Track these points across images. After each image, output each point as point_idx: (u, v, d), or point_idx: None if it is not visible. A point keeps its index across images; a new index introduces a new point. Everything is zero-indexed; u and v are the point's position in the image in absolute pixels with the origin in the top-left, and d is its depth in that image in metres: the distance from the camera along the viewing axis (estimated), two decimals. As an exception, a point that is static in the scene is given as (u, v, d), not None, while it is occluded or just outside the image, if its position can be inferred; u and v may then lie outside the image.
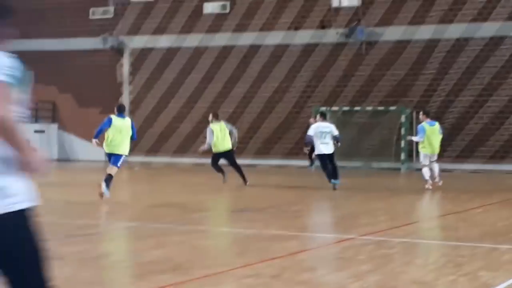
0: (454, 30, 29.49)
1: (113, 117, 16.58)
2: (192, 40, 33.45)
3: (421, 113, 20.79)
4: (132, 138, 16.45)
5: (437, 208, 15.56)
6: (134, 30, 34.76)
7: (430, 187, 19.49)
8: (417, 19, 30.25)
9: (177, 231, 11.60)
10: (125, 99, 34.50)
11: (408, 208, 15.48)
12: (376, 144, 29.26)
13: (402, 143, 28.16)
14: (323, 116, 19.63)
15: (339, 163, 27.51)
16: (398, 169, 27.87)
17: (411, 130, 28.63)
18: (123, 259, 8.96)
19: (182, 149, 32.22)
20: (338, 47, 31.26)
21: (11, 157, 3.47)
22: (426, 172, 19.82)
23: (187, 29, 33.84)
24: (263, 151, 31.17)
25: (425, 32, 29.87)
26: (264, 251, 9.74)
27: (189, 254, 9.48)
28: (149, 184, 21.90)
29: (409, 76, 29.99)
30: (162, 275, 8.05)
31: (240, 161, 21.47)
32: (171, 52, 33.87)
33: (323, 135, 19.06)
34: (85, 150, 33.66)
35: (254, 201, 16.06)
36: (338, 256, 9.26)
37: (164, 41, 33.96)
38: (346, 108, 29.83)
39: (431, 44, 29.87)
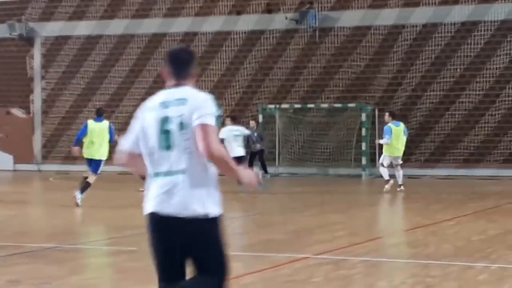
0: (421, 15, 29.92)
1: (89, 122, 18.60)
2: (116, 26, 33.23)
3: (386, 114, 22.05)
4: (110, 140, 18.31)
5: (403, 221, 15.73)
6: (47, 15, 34.37)
7: (390, 187, 20.84)
8: (379, 2, 30.61)
9: (101, 252, 11.47)
10: (37, 97, 34.08)
11: (370, 221, 15.62)
12: (333, 147, 29.49)
13: (363, 146, 28.42)
14: (234, 120, 22.26)
15: (289, 169, 27.80)
16: (359, 176, 28.11)
17: (373, 131, 28.94)
18: (35, 288, 8.83)
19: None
20: (287, 35, 31.41)
21: (214, 174, 5.44)
22: (385, 171, 21.31)
23: (110, 13, 33.62)
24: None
25: (387, 17, 30.24)
26: (203, 274, 9.70)
27: (114, 280, 9.39)
28: (67, 197, 21.64)
29: (370, 68, 30.29)
30: (82, 305, 7.95)
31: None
32: (91, 41, 33.58)
33: (236, 138, 21.44)
34: (-11, 157, 33.15)
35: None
36: (290, 279, 9.28)
37: (82, 28, 33.66)
38: (297, 106, 29.99)
39: (395, 31, 30.24)
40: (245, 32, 31.86)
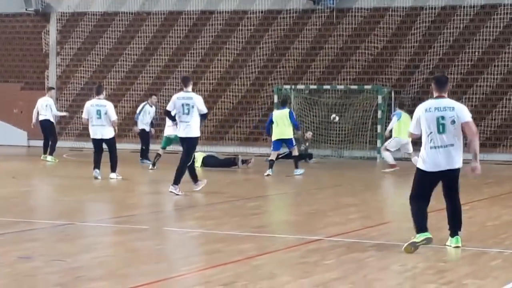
0: (440, -4, 29.72)
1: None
2: (132, 3, 33.19)
3: (397, 107, 22.88)
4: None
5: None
6: (63, -10, 34.35)
7: (389, 172, 21.63)
8: (398, -17, 30.40)
9: (112, 230, 11.53)
10: (52, 73, 34.15)
11: (383, 204, 15.62)
12: (348, 129, 29.42)
13: (379, 128, 28.34)
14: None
15: (304, 150, 27.59)
16: (374, 159, 28.05)
17: (389, 114, 28.83)
18: (46, 265, 8.88)
19: (120, 133, 31.97)
20: (304, 15, 31.29)
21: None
22: (389, 156, 22.04)
23: (126, -10, 33.56)
24: (216, 137, 31.12)
25: (406, -2, 30.06)
26: (214, 254, 9.73)
27: (126, 258, 9.43)
28: (79, 174, 21.72)
29: (387, 50, 30.16)
30: (93, 283, 7.99)
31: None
32: (106, 18, 33.56)
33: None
34: (4, 133, 33.26)
35: (203, 196, 16.04)
36: (302, 261, 9.29)
37: (98, 5, 33.63)
38: (313, 87, 29.91)
39: (413, 13, 30.07)
40: (262, 12, 31.75)
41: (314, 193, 17.95)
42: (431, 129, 9.89)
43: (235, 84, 31.33)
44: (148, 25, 32.93)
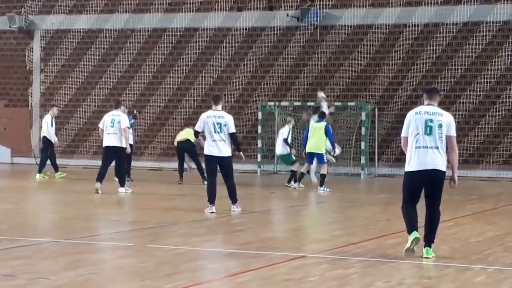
0: (423, 14, 29.91)
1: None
2: (116, 21, 33.20)
3: None
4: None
5: (401, 221, 15.69)
6: (47, 8, 34.34)
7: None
8: (380, 1, 30.60)
9: (97, 248, 11.47)
10: (35, 90, 34.07)
11: (368, 221, 15.62)
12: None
13: (362, 145, 28.41)
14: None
15: (287, 167, 27.65)
16: (358, 175, 28.09)
17: (373, 130, 28.95)
18: (30, 282, 8.82)
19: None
20: (288, 32, 31.39)
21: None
22: None
23: (110, 8, 33.59)
24: (200, 154, 31.08)
25: (389, 15, 30.23)
26: (199, 272, 9.70)
27: (110, 276, 9.39)
28: (62, 192, 21.65)
29: (371, 66, 30.28)
30: (77, 301, 7.94)
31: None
32: (90, 35, 33.55)
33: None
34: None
35: (186, 212, 16.01)
36: (286, 278, 9.28)
37: (82, 22, 33.62)
38: (297, 104, 29.97)
39: (396, 30, 30.22)
40: (246, 29, 31.84)
41: (298, 210, 17.95)
42: (419, 130, 10.44)
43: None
44: (132, 42, 32.94)
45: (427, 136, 10.42)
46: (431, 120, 10.44)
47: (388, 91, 29.97)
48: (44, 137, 24.88)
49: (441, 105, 30.73)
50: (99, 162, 30.65)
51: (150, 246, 11.66)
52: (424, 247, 10.51)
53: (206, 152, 15.58)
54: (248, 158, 28.39)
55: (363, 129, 28.54)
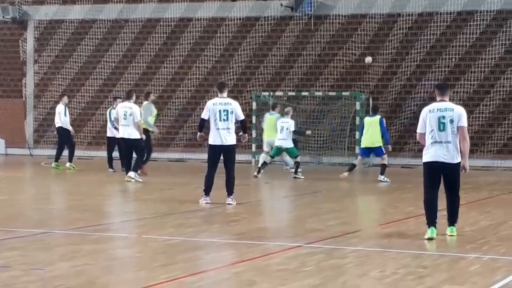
0: (417, 3, 29.88)
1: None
2: (110, 11, 33.12)
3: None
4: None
5: (396, 210, 15.76)
6: (40, -2, 34.23)
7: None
8: (374, -10, 30.52)
9: (91, 238, 11.48)
10: (29, 81, 33.99)
11: (363, 211, 15.65)
12: (326, 136, 29.49)
13: (357, 135, 28.42)
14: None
15: (280, 158, 27.69)
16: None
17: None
18: (25, 273, 8.83)
19: (99, 141, 31.89)
20: (282, 22, 31.35)
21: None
22: None
23: (104, -2, 33.48)
24: (195, 144, 31.10)
25: (383, 5, 30.20)
26: (194, 262, 9.72)
27: (105, 267, 9.40)
28: (58, 182, 21.65)
29: (365, 56, 30.24)
30: (72, 292, 7.95)
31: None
32: (84, 25, 33.47)
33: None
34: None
35: (182, 203, 16.02)
36: (281, 268, 9.30)
37: (75, 12, 33.53)
38: (291, 94, 29.96)
39: (390, 19, 30.20)
40: (240, 19, 31.78)
41: (293, 200, 17.97)
42: (433, 127, 11.49)
43: (213, 91, 31.28)
44: (126, 32, 32.87)
45: (441, 132, 11.48)
46: (443, 117, 11.47)
47: (382, 81, 29.97)
48: (60, 127, 24.63)
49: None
50: (93, 153, 30.83)
51: (145, 237, 11.67)
52: (449, 226, 11.67)
53: (210, 141, 15.29)
54: (242, 149, 28.37)
55: (357, 119, 28.54)
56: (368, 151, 21.67)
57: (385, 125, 21.70)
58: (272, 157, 22.98)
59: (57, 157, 24.59)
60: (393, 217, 14.53)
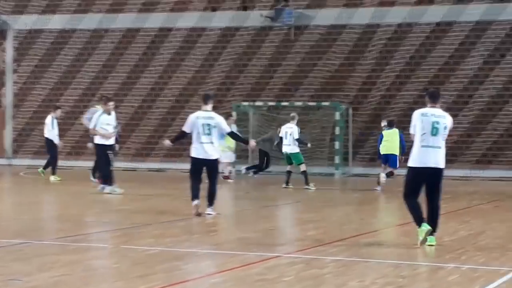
0: (396, 14, 30.02)
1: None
2: (90, 21, 33.05)
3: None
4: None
5: (375, 220, 15.77)
6: (20, 8, 34.11)
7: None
8: (354, 1, 30.69)
9: (70, 249, 11.40)
10: (8, 90, 33.84)
11: (342, 220, 15.65)
12: (306, 146, 29.48)
13: (337, 145, 28.47)
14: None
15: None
16: (332, 175, 28.14)
17: (347, 130, 29.01)
18: (2, 284, 8.74)
19: (79, 151, 31.77)
20: (262, 32, 31.40)
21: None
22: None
23: (83, 7, 33.44)
24: (175, 154, 31.05)
25: (363, 15, 30.32)
26: (173, 272, 9.67)
27: (83, 277, 9.33)
28: (36, 192, 21.51)
29: (345, 66, 30.35)
30: (50, 303, 7.88)
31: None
32: (64, 35, 33.37)
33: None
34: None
35: (161, 213, 15.96)
36: (261, 278, 9.26)
37: (55, 22, 33.44)
38: (271, 104, 29.98)
39: (370, 30, 30.32)
40: (220, 29, 31.80)
41: (273, 209, 17.95)
42: (425, 131, 11.39)
43: (193, 101, 31.28)
44: (106, 42, 32.81)
45: (433, 137, 11.45)
46: (437, 122, 11.47)
47: (362, 91, 30.06)
48: (46, 138, 24.59)
49: (416, 105, 30.97)
50: (73, 163, 30.66)
51: (123, 247, 11.60)
52: (428, 236, 11.41)
53: (192, 154, 15.05)
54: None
55: (337, 129, 28.59)
56: (386, 158, 21.78)
57: (403, 138, 21.83)
58: (290, 164, 22.92)
59: (46, 166, 24.48)
60: (373, 227, 14.54)
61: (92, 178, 23.13)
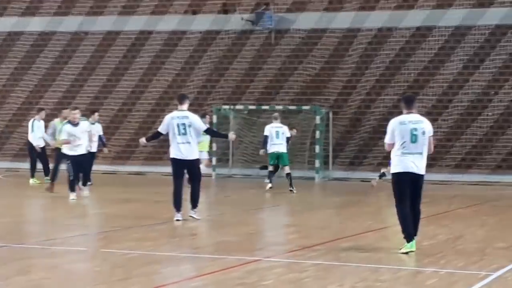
0: (376, 18, 30.14)
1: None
2: (70, 23, 32.96)
3: None
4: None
5: (355, 224, 15.81)
6: (-1, 10, 33.98)
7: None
8: (334, 5, 30.78)
9: (49, 252, 11.37)
10: (-12, 93, 33.68)
11: (322, 224, 15.68)
12: (286, 149, 29.48)
13: (317, 149, 28.52)
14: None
15: (243, 171, 27.72)
16: (312, 179, 28.19)
17: (327, 134, 29.06)
18: (-19, 288, 8.71)
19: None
20: (243, 35, 31.42)
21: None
22: None
23: (63, 10, 33.36)
24: (155, 157, 31.02)
25: (343, 20, 30.41)
26: (153, 276, 9.66)
27: (62, 281, 9.31)
28: (14, 195, 21.41)
29: (325, 70, 30.43)
30: (29, 307, 7.86)
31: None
32: (44, 37, 33.26)
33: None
34: None
35: (141, 217, 15.93)
36: (241, 282, 9.28)
37: (35, 24, 33.32)
38: (252, 107, 30.00)
39: (350, 34, 30.41)
40: (200, 32, 31.79)
41: (253, 213, 17.97)
42: (405, 139, 11.50)
43: (174, 104, 31.19)
44: (86, 45, 32.74)
45: (413, 144, 11.56)
46: (415, 129, 11.56)
47: (342, 95, 30.14)
48: (28, 141, 24.22)
49: (396, 109, 31.08)
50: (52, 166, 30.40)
51: (103, 251, 11.59)
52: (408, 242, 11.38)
53: (172, 155, 14.96)
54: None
55: (317, 133, 28.64)
56: None
57: None
58: (276, 164, 22.68)
59: (46, 172, 24.02)
60: (353, 231, 14.58)
61: (81, 185, 22.84)
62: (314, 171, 28.46)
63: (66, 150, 18.73)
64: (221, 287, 9.14)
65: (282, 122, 23.64)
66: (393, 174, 11.67)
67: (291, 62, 30.77)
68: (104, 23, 32.65)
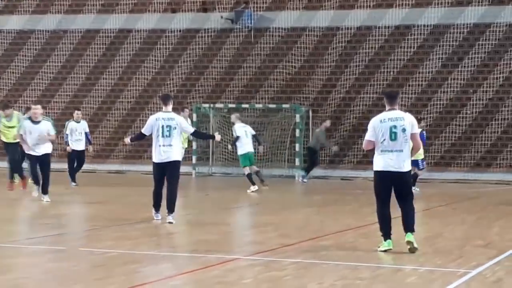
0: (355, 17, 30.22)
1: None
2: (49, 21, 32.82)
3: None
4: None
5: (334, 222, 15.85)
6: (-23, 8, 33.79)
7: None
8: (314, 4, 30.81)
9: (26, 251, 11.31)
10: (-35, 92, 33.49)
11: (302, 223, 15.70)
12: (266, 148, 29.56)
13: (297, 147, 28.56)
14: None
15: (222, 169, 27.58)
16: (292, 177, 28.22)
17: (307, 132, 29.10)
18: (-41, 288, 8.66)
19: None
20: (222, 34, 31.40)
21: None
22: None
23: (42, 8, 33.20)
24: (135, 156, 30.96)
25: (322, 18, 30.47)
26: (132, 275, 9.64)
27: (41, 280, 9.27)
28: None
29: (304, 69, 30.48)
30: (7, 306, 7.82)
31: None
32: (22, 36, 33.09)
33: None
34: None
35: (120, 215, 15.89)
36: (220, 280, 9.27)
37: (13, 22, 33.14)
38: (232, 106, 29.98)
39: (329, 33, 30.47)
40: (180, 31, 31.75)
41: (232, 212, 17.96)
42: (384, 137, 11.42)
43: (153, 103, 31.21)
44: (65, 43, 32.60)
45: (392, 142, 11.42)
46: (395, 127, 11.45)
47: (322, 94, 30.20)
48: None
49: (375, 107, 31.15)
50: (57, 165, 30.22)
51: (82, 250, 11.55)
52: (406, 233, 11.38)
53: (153, 159, 14.64)
54: (182, 160, 28.25)
55: (297, 131, 28.68)
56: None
57: (425, 137, 21.92)
58: (251, 165, 22.62)
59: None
60: (332, 229, 14.61)
61: (73, 183, 22.66)
62: (294, 169, 28.46)
63: (26, 148, 18.05)
64: (200, 285, 9.13)
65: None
66: (374, 172, 11.58)
67: (270, 61, 30.79)
68: (83, 21, 32.54)
